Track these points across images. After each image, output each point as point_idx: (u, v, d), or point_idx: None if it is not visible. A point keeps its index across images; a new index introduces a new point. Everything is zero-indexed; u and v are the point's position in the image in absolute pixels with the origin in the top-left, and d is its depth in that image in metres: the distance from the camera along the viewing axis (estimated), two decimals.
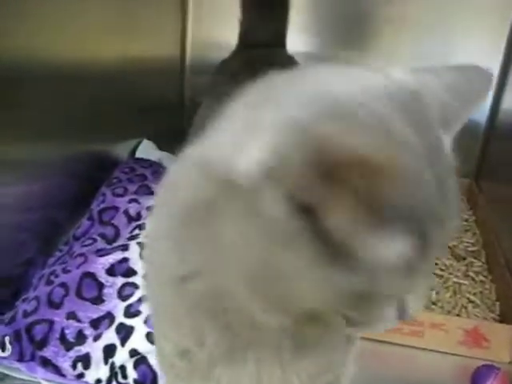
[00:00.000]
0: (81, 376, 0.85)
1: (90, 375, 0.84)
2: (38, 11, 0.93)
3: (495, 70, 1.46)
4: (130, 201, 1.08)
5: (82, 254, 0.96)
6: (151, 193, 1.13)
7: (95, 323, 0.88)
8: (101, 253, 0.96)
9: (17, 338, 0.86)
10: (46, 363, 0.85)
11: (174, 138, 1.47)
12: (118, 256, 0.95)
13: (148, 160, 1.28)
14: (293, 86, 0.40)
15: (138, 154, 1.33)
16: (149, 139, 1.38)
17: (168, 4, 1.53)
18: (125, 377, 0.84)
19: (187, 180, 0.43)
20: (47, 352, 0.85)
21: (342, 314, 0.39)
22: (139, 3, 1.32)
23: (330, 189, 0.33)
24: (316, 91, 0.38)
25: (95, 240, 1.01)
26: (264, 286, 0.38)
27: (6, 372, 0.86)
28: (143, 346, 0.85)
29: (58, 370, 0.85)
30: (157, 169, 1.24)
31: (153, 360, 0.84)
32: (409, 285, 0.39)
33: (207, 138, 0.42)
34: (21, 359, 0.85)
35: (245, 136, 0.37)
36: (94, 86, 1.14)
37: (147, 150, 1.34)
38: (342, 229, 0.34)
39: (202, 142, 0.42)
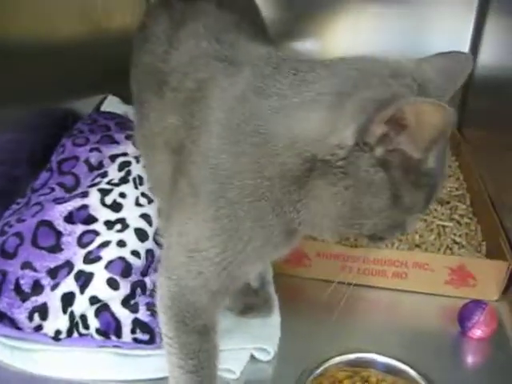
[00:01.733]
0: (39, 328, 0.78)
1: (49, 326, 0.78)
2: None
3: (470, 24, 1.45)
4: (92, 150, 1.02)
5: (38, 203, 0.90)
6: (114, 142, 1.06)
7: (53, 272, 0.81)
8: (59, 201, 0.89)
9: None
10: (1, 316, 0.79)
11: None
12: (77, 203, 0.89)
13: (112, 112, 1.21)
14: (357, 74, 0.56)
15: (104, 108, 1.26)
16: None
17: None
18: (86, 327, 0.79)
19: (275, 159, 0.57)
20: (1, 304, 0.79)
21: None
22: None
23: (400, 132, 0.51)
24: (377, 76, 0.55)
25: (53, 189, 0.94)
26: (345, 220, 0.57)
27: None
28: (104, 293, 0.79)
29: (13, 323, 0.79)
30: (121, 120, 1.17)
31: (115, 307, 0.79)
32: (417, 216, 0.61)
33: (290, 120, 0.56)
34: None
35: (334, 121, 0.53)
36: (59, 48, 1.12)
37: (113, 104, 1.27)
38: (400, 183, 0.54)
39: (285, 122, 0.56)
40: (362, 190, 0.54)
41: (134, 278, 0.82)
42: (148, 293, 0.82)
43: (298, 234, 0.64)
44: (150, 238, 0.88)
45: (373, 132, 0.51)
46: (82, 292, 0.79)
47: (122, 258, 0.82)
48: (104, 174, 0.97)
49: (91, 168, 0.99)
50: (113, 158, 1.01)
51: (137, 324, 0.78)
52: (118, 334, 0.78)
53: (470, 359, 0.86)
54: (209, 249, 0.62)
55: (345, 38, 1.52)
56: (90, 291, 0.79)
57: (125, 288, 0.80)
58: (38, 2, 1.03)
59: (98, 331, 0.78)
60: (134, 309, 0.79)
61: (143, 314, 0.79)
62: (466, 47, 1.46)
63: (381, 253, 0.97)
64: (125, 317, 0.78)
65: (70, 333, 0.79)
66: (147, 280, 0.83)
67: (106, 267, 0.80)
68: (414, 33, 1.50)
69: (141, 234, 0.87)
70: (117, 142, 1.06)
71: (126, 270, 0.81)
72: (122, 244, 0.84)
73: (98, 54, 1.27)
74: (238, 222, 0.60)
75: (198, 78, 0.67)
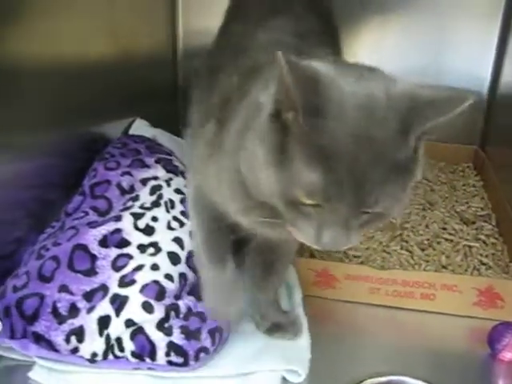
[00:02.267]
0: (75, 350, 0.80)
1: (85, 349, 0.80)
2: (39, 17, 0.96)
3: (493, 41, 1.45)
4: (123, 174, 1.03)
5: (73, 227, 0.92)
6: (145, 166, 1.08)
7: (88, 295, 0.83)
8: (93, 224, 0.91)
9: (6, 313, 0.82)
10: (39, 338, 0.80)
11: (167, 119, 1.43)
12: (110, 227, 0.90)
13: (141, 136, 1.23)
14: None
15: (132, 132, 1.27)
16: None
17: None
18: (122, 349, 0.80)
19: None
20: (39, 327, 0.80)
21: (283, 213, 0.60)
22: None
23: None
24: None
25: (87, 213, 0.96)
26: (250, 172, 0.61)
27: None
28: (139, 316, 0.80)
29: (51, 346, 0.80)
30: (150, 144, 1.19)
31: (150, 330, 0.80)
32: (318, 213, 0.56)
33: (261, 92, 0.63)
34: (12, 336, 0.81)
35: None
36: (87, 73, 1.13)
37: (141, 127, 1.29)
38: (291, 145, 0.55)
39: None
40: (258, 136, 0.58)
41: (168, 301, 0.83)
42: (182, 316, 0.83)
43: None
44: (183, 261, 0.89)
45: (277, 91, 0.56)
46: (117, 315, 0.80)
47: (155, 282, 0.83)
48: (136, 198, 0.98)
49: (123, 192, 1.01)
50: (144, 181, 1.03)
51: (171, 347, 0.79)
52: (153, 357, 0.79)
53: (500, 382, 0.86)
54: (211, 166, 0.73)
55: (367, 56, 1.53)
56: (126, 314, 0.80)
57: (159, 311, 0.81)
58: (66, 25, 1.04)
59: (133, 354, 0.79)
60: (168, 332, 0.80)
61: (177, 337, 0.80)
62: (489, 64, 1.46)
63: (409, 274, 0.98)
64: (159, 340, 0.79)
65: (105, 355, 0.80)
66: (181, 303, 0.84)
67: (141, 291, 0.82)
68: (437, 49, 1.49)
69: (173, 258, 0.88)
70: (147, 166, 1.07)
71: (160, 293, 0.83)
72: (155, 267, 0.85)
73: (126, 77, 1.29)
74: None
75: (269, 56, 0.73)
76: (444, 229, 1.17)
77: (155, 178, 1.04)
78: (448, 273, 1.03)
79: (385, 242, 1.13)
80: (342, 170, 0.53)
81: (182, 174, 1.10)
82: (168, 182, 1.03)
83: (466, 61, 1.48)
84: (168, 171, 1.07)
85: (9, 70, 0.88)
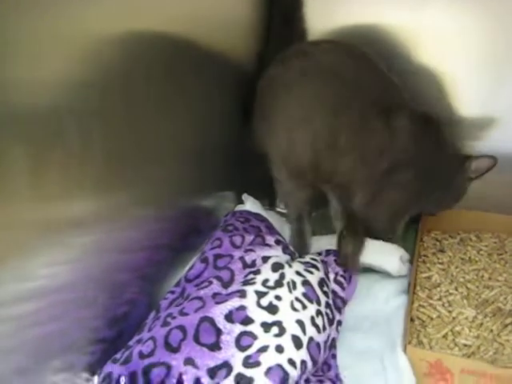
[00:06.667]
0: None
1: None
2: None
3: None
4: (246, 251, 1.01)
5: (199, 298, 0.89)
6: (266, 245, 1.04)
7: (212, 372, 0.78)
8: (218, 299, 0.88)
9: (132, 379, 0.78)
10: None
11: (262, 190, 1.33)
12: (235, 303, 0.86)
13: (261, 215, 1.19)
14: None
15: (248, 208, 1.23)
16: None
17: None
18: None
19: None
20: None
21: None
22: None
23: None
24: None
25: (211, 282, 0.92)
26: None
27: None
28: None
29: None
30: (269, 224, 1.15)
31: None
32: None
33: None
34: None
35: None
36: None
37: (255, 206, 1.26)
38: None
39: None
40: None
41: None
42: None
43: None
44: (304, 346, 0.84)
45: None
46: None
47: (279, 366, 0.78)
48: (257, 272, 0.95)
49: (245, 265, 0.97)
50: (265, 259, 0.99)
51: None
52: None
53: None
54: None
55: None
56: None
57: None
58: None
59: None
60: None
61: None
62: None
63: None
64: None
65: None
66: None
67: (266, 374, 0.77)
68: None
69: (297, 342, 0.83)
70: (268, 245, 1.04)
71: (284, 378, 0.77)
72: (279, 350, 0.80)
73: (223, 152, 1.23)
74: None
75: None
76: None
77: (276, 257, 1.01)
78: None
79: (495, 329, 1.02)
80: None
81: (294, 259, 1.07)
82: (289, 263, 0.99)
83: None
84: (285, 253, 1.04)
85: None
